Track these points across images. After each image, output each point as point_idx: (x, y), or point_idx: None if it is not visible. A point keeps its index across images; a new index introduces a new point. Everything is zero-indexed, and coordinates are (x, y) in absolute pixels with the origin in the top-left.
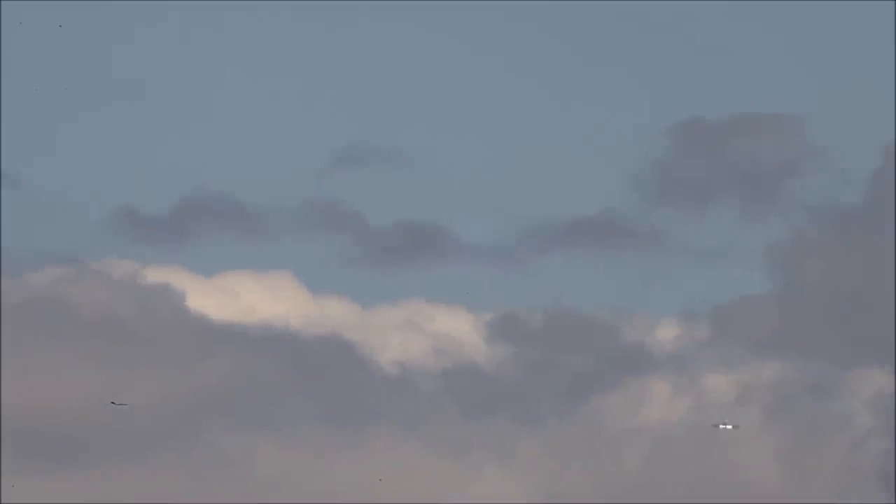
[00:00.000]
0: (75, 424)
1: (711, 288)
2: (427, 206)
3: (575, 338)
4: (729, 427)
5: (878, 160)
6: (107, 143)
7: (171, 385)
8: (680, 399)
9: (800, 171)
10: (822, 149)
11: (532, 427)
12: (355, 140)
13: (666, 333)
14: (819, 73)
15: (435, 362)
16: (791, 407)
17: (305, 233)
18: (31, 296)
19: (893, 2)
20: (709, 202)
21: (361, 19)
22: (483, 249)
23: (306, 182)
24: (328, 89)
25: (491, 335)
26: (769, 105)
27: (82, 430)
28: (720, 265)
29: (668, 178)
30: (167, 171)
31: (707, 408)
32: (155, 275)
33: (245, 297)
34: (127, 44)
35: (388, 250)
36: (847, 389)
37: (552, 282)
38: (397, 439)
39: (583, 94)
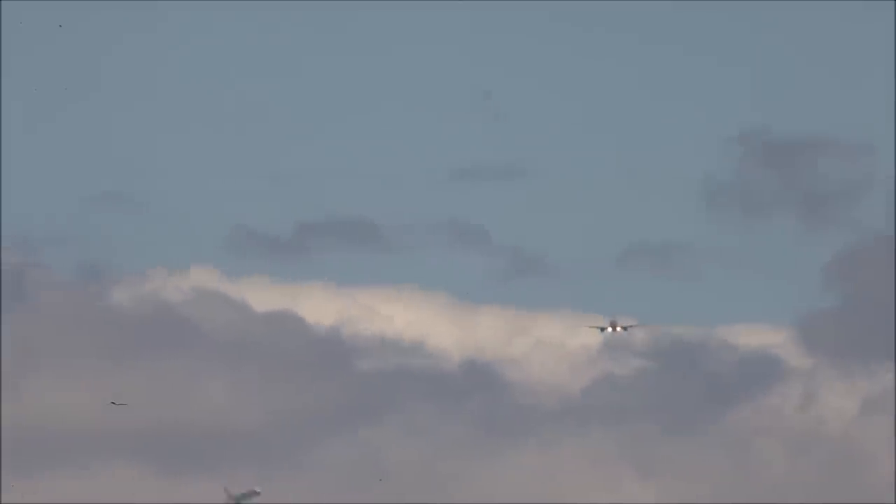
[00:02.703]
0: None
1: (791, 299)
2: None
3: (688, 352)
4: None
5: None
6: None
7: (315, 394)
8: (809, 406)
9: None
10: (886, 178)
11: (671, 436)
12: (476, 157)
13: (770, 342)
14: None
15: (571, 376)
16: None
17: (436, 249)
18: (155, 310)
19: None
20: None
21: (481, 43)
22: (585, 267)
23: (430, 199)
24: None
25: (624, 349)
26: (842, 130)
27: (200, 439)
28: (785, 277)
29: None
30: (289, 191)
31: (833, 414)
32: (279, 291)
33: (380, 313)
34: (247, 57)
35: (510, 268)
36: None
37: (658, 297)
38: (534, 447)
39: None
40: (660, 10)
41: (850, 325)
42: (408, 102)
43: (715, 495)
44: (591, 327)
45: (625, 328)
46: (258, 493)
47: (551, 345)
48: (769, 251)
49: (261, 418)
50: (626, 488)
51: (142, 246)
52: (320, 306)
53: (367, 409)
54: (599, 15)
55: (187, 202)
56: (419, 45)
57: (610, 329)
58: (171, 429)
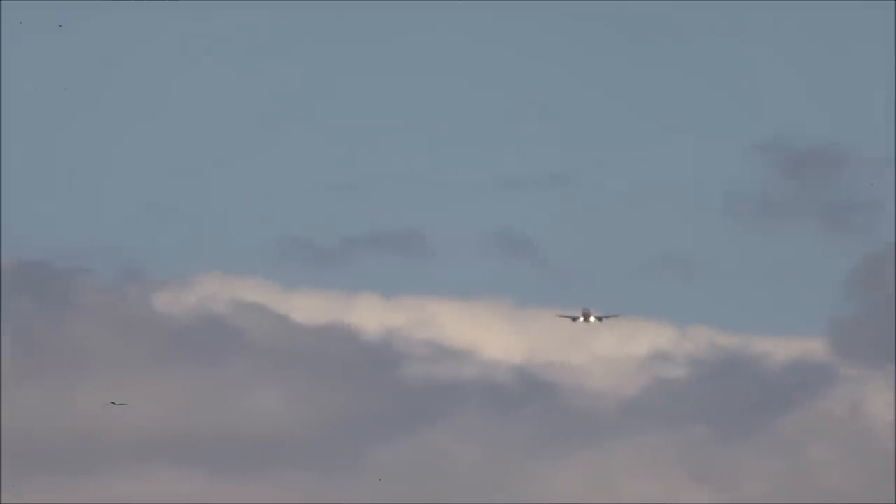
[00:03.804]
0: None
1: (819, 307)
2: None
3: (732, 359)
4: None
5: None
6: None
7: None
8: (858, 411)
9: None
10: None
11: (724, 441)
12: (521, 168)
13: (806, 349)
14: None
15: (624, 381)
16: None
17: (482, 258)
18: (204, 319)
19: None
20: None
21: (526, 56)
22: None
23: (476, 208)
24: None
25: (680, 352)
26: (865, 140)
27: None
28: (802, 285)
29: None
30: (336, 201)
31: (882, 419)
32: (337, 300)
33: (430, 322)
34: (295, 68)
35: (557, 276)
36: None
37: (690, 304)
38: (588, 453)
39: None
40: (684, 20)
41: (882, 331)
42: (454, 111)
43: (767, 498)
44: (561, 316)
45: (599, 318)
46: None
47: (603, 351)
48: (792, 260)
49: (311, 425)
50: (680, 493)
51: (190, 255)
52: (370, 316)
53: (419, 416)
54: (616, 22)
55: (235, 211)
56: (465, 53)
57: (582, 319)
58: (224, 435)
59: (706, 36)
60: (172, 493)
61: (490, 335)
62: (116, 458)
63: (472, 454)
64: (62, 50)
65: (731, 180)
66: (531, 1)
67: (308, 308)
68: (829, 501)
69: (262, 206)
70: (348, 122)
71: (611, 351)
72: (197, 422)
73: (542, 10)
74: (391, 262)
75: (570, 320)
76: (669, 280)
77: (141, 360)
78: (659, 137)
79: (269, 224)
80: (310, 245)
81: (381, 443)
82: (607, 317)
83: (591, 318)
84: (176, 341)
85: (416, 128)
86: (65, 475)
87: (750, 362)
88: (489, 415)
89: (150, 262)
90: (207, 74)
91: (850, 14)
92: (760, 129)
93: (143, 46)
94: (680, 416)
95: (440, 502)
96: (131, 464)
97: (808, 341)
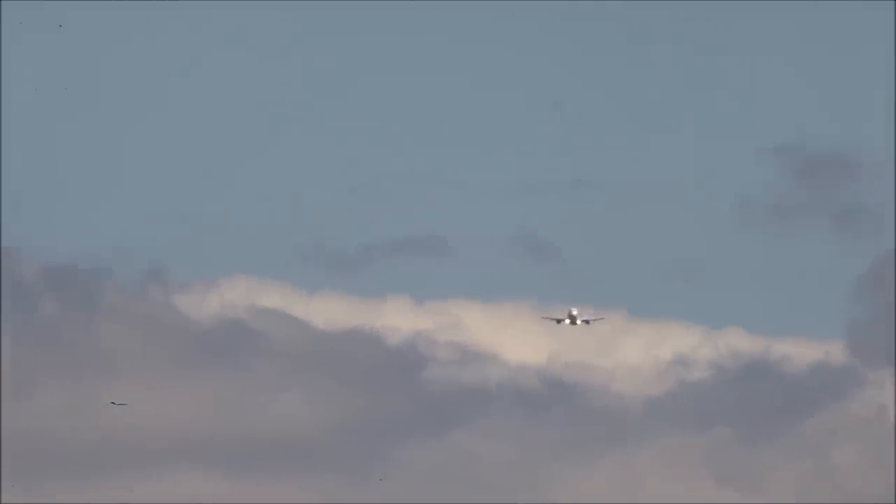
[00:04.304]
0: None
1: (833, 311)
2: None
3: (755, 362)
4: None
5: None
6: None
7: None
8: (883, 414)
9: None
10: None
11: (748, 443)
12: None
13: (825, 352)
14: None
15: (649, 383)
16: None
17: (505, 261)
18: (228, 322)
19: None
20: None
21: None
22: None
23: (498, 211)
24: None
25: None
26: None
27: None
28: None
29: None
30: (361, 205)
31: None
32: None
33: (456, 325)
34: (320, 73)
35: (581, 279)
36: None
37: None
38: (614, 454)
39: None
40: (697, 24)
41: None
42: (477, 115)
43: (792, 500)
44: (545, 318)
45: (586, 321)
46: None
47: (628, 353)
48: (804, 264)
49: (334, 428)
50: (705, 494)
51: (214, 258)
52: (393, 319)
53: (444, 418)
54: (630, 27)
55: (259, 215)
56: (488, 57)
57: (567, 321)
58: (247, 437)
59: (721, 40)
60: (195, 495)
61: (514, 337)
62: (139, 459)
63: (498, 456)
64: (63, 50)
65: (744, 184)
66: (551, 2)
67: (331, 312)
68: (848, 502)
69: (284, 210)
70: (371, 126)
71: (635, 353)
72: (221, 424)
73: (556, 14)
74: (414, 266)
75: (554, 322)
76: (690, 283)
77: (164, 363)
78: (677, 141)
79: (291, 228)
80: (332, 249)
81: (405, 445)
82: (594, 319)
83: (577, 322)
84: (200, 344)
85: (439, 131)
86: (86, 476)
87: (773, 365)
88: (515, 417)
89: (173, 265)
90: (231, 77)
91: (863, 18)
92: (773, 133)
93: (157, 46)
94: (705, 418)
95: (466, 502)
96: (154, 465)
97: (826, 344)
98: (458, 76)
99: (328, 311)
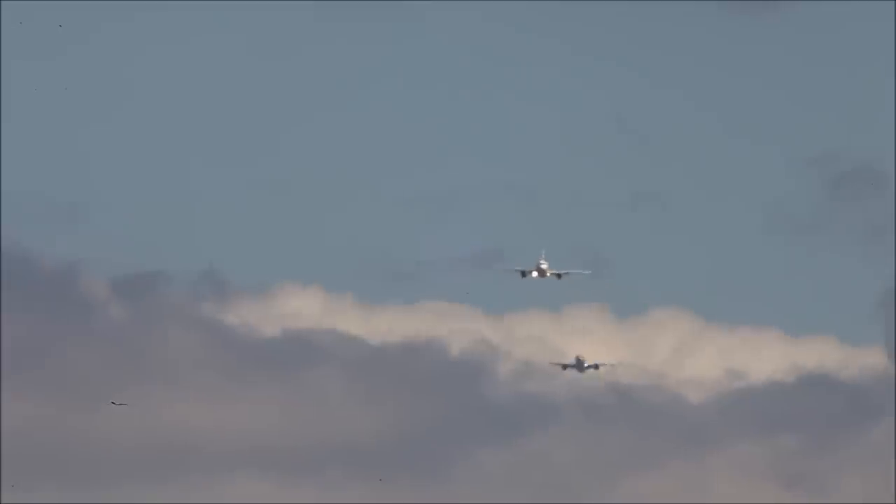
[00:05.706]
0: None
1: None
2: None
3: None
4: None
5: None
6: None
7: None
8: None
9: None
10: None
11: (814, 449)
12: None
13: (872, 360)
14: None
15: (714, 390)
16: None
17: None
18: (289, 332)
19: None
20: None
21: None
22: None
23: (555, 224)
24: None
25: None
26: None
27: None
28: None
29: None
30: (417, 217)
31: None
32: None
33: (518, 335)
34: (379, 89)
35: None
36: None
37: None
38: (681, 460)
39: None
40: (732, 41)
41: None
42: (535, 130)
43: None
44: (553, 364)
45: (595, 366)
46: None
47: (696, 360)
48: (832, 275)
49: (398, 435)
50: (772, 500)
51: (274, 267)
52: (455, 330)
53: (511, 426)
54: (663, 43)
55: (322, 225)
56: (548, 74)
57: (535, 274)
58: (335, 445)
59: (752, 56)
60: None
61: (579, 347)
62: (198, 466)
63: (566, 463)
64: (64, 50)
65: (779, 194)
66: (601, 25)
67: (391, 322)
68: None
69: (347, 221)
70: (433, 140)
71: (703, 360)
72: (286, 433)
73: (603, 32)
74: (476, 277)
75: (520, 275)
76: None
77: (225, 372)
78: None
79: (354, 239)
80: (393, 260)
81: (472, 453)
82: (601, 365)
83: (585, 369)
84: (260, 354)
85: (501, 145)
86: (146, 482)
87: (835, 373)
88: (582, 423)
89: (234, 275)
90: (299, 91)
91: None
92: (811, 144)
93: (176, 50)
94: (772, 424)
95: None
96: (215, 472)
97: (873, 352)
98: (520, 91)
99: (388, 322)
